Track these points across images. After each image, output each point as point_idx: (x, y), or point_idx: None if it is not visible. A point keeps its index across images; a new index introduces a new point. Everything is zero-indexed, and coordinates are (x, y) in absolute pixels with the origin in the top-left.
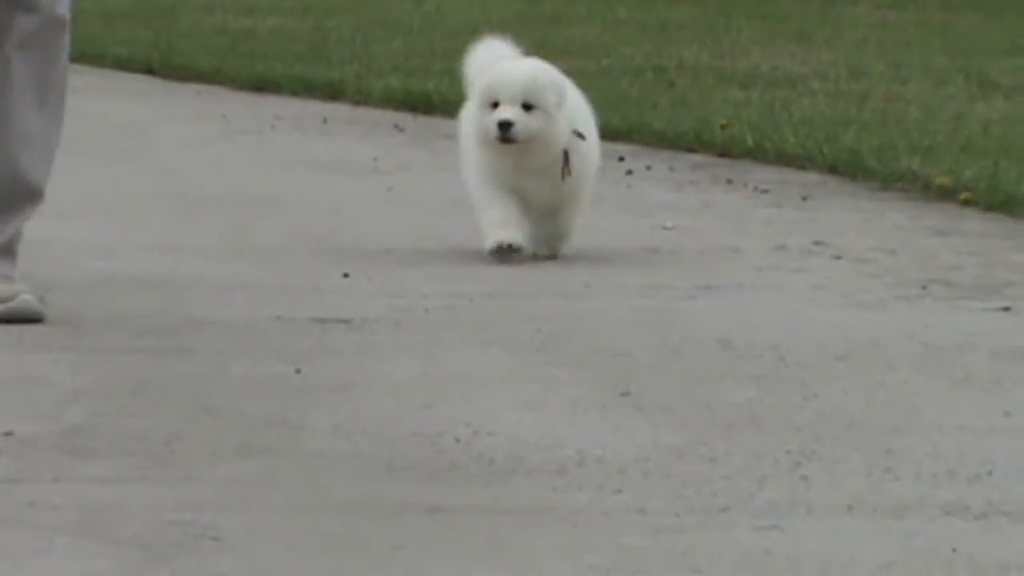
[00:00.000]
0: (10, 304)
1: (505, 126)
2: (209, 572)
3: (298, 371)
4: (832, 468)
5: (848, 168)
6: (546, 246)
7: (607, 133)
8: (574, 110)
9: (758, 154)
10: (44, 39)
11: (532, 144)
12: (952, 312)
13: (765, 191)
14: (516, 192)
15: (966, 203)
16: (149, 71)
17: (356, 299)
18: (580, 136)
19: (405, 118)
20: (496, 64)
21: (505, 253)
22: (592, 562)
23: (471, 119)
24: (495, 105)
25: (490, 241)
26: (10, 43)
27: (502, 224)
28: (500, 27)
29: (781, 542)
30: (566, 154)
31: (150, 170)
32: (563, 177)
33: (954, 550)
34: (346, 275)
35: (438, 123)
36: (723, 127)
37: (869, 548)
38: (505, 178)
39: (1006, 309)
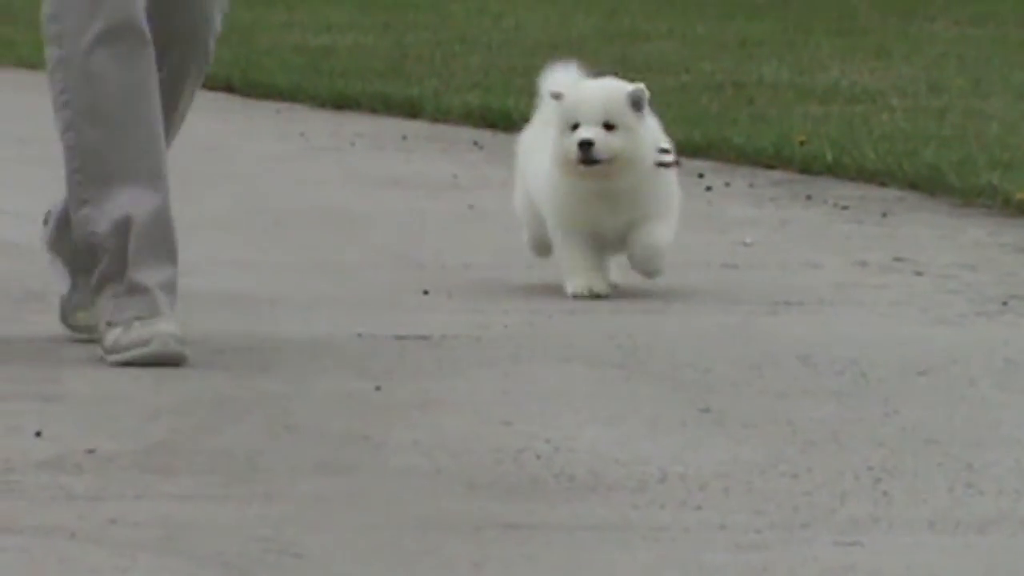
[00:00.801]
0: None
1: (586, 146)
2: None
3: (378, 388)
4: (914, 484)
5: (928, 184)
6: (637, 267)
7: (686, 149)
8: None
9: (838, 170)
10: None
11: (614, 165)
12: None
13: (845, 207)
14: (592, 224)
15: None
16: (228, 89)
17: (436, 315)
18: (664, 151)
19: (484, 135)
20: (573, 85)
21: (588, 298)
22: None
23: (530, 142)
24: (575, 127)
25: (573, 287)
26: None
27: (584, 269)
28: (579, 43)
29: (862, 558)
30: (661, 164)
31: (229, 187)
32: (675, 164)
33: None
34: (426, 292)
35: (517, 140)
36: (802, 143)
37: (951, 564)
38: (582, 208)
39: None
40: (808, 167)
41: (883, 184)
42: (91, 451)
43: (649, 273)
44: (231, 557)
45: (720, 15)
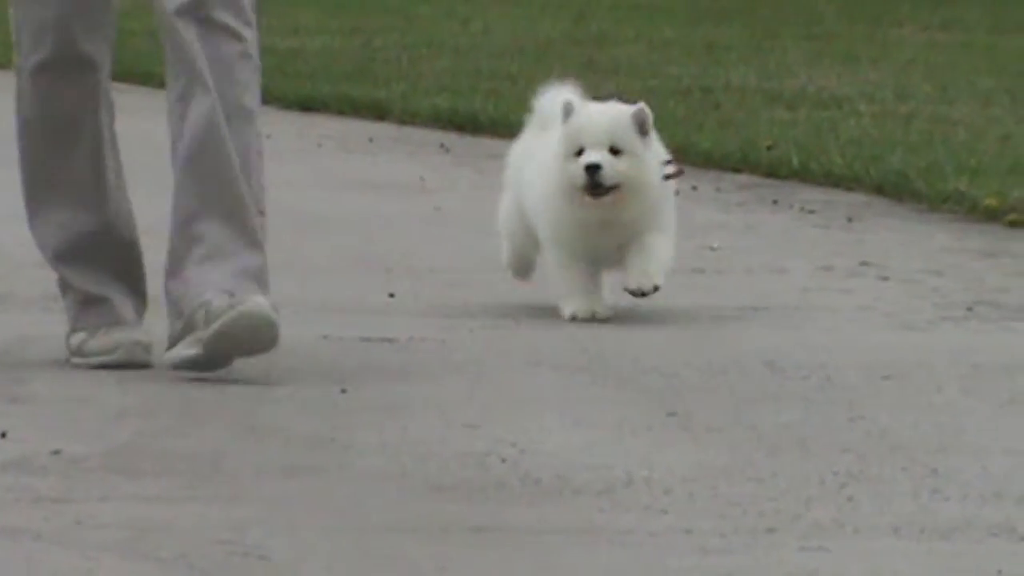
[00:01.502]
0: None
1: (593, 169)
2: None
3: (344, 390)
4: (878, 489)
5: (894, 189)
6: (635, 279)
7: None
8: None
9: (804, 175)
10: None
11: (621, 192)
12: (999, 333)
13: (811, 212)
14: (591, 249)
15: (1013, 224)
16: None
17: (402, 318)
18: (667, 163)
19: (451, 138)
20: (579, 109)
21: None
22: None
23: (522, 153)
24: (580, 152)
25: (573, 310)
26: None
27: (584, 292)
28: (547, 47)
29: (827, 563)
30: (668, 176)
31: None
32: (678, 174)
33: (1000, 572)
34: (392, 295)
35: (484, 143)
36: (769, 148)
37: (915, 569)
38: (582, 235)
39: None
40: (775, 172)
41: (850, 189)
42: (56, 452)
43: (644, 294)
44: (196, 559)
45: (688, 20)
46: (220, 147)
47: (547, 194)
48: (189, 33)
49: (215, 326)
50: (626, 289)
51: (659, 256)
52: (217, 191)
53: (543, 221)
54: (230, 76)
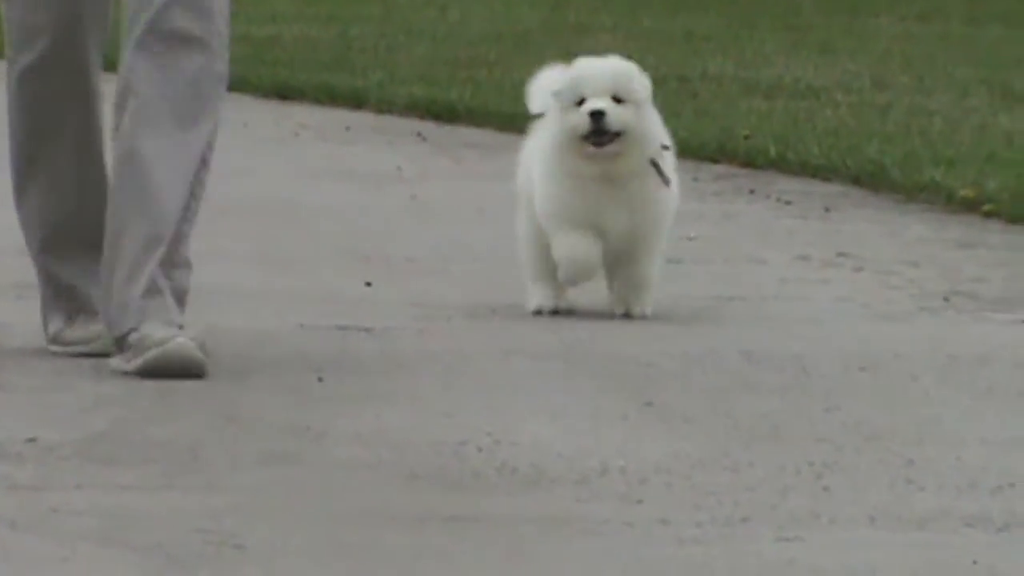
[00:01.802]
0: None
1: (597, 115)
2: None
3: (320, 379)
4: (854, 479)
5: (871, 179)
6: (623, 303)
7: None
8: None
9: (781, 165)
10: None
11: (624, 142)
12: (975, 324)
13: (788, 202)
14: (592, 222)
15: (989, 215)
16: None
17: (378, 308)
18: (665, 148)
19: (428, 127)
20: (576, 62)
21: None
22: (613, 572)
23: (537, 150)
24: (581, 103)
25: (534, 303)
26: None
27: (550, 283)
28: (524, 36)
29: (803, 553)
30: (656, 165)
31: None
32: (666, 183)
33: (975, 562)
34: (368, 284)
35: (461, 132)
36: (746, 137)
37: (891, 559)
38: (583, 202)
39: None
40: (752, 162)
41: (827, 179)
42: (32, 440)
43: (633, 313)
44: (172, 548)
45: (665, 9)
46: (152, 164)
47: (546, 164)
48: (144, 49)
49: (144, 360)
50: (615, 312)
51: (644, 280)
52: (146, 208)
53: (541, 195)
54: (187, 90)
